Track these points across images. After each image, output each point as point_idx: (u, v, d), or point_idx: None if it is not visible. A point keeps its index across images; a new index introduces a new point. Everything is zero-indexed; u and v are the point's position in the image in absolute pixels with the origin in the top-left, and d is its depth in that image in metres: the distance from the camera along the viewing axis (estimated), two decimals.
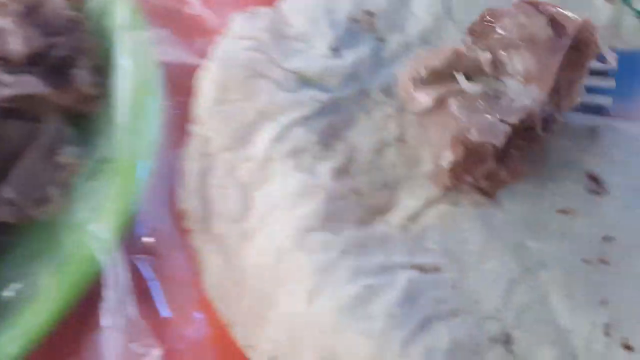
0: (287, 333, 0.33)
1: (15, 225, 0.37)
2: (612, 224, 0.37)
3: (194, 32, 0.42)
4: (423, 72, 0.37)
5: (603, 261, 0.36)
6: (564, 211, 0.37)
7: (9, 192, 0.36)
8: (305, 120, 0.38)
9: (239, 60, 0.39)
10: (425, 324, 0.33)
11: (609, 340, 0.34)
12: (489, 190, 0.37)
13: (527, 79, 0.36)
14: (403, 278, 0.34)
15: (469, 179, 0.36)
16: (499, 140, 0.35)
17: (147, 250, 0.38)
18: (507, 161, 0.36)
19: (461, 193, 0.37)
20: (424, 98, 0.37)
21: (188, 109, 0.40)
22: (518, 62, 0.36)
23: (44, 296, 0.34)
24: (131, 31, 0.39)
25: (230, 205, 0.36)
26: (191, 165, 0.37)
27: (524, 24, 0.36)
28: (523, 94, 0.35)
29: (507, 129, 0.35)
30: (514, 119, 0.35)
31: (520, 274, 0.35)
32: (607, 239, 0.36)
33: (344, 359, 0.32)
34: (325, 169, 0.37)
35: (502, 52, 0.37)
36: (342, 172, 0.37)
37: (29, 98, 0.37)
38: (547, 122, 0.36)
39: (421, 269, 0.35)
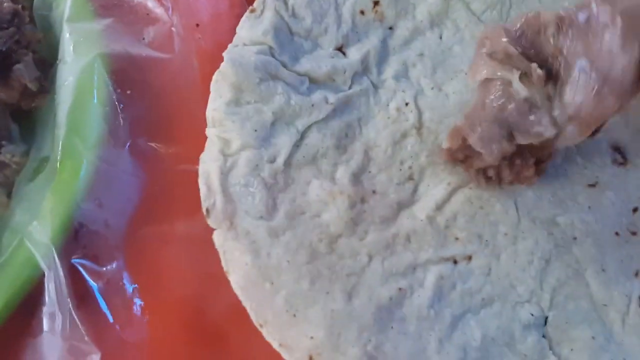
0: (326, 329, 0.33)
1: None
2: (638, 194, 0.37)
3: (141, 22, 0.40)
4: (500, 44, 0.34)
5: (633, 233, 0.36)
6: (592, 185, 0.37)
7: None
8: (320, 124, 0.38)
9: (251, 64, 0.38)
10: (456, 322, 0.34)
11: None
12: (494, 180, 0.36)
13: (574, 116, 0.33)
14: (432, 275, 0.35)
15: (470, 164, 0.36)
16: (490, 157, 0.34)
17: (89, 253, 0.36)
18: (512, 165, 0.36)
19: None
20: (482, 71, 0.35)
21: (135, 101, 0.38)
22: (576, 93, 0.32)
23: None
24: (77, 23, 0.38)
25: (256, 203, 0.36)
26: (211, 165, 0.37)
27: (611, 51, 0.32)
28: (554, 124, 0.33)
29: (505, 150, 0.34)
30: (522, 141, 0.34)
31: (553, 251, 0.35)
32: (635, 210, 0.36)
33: (388, 354, 0.33)
34: (344, 173, 0.37)
35: (571, 69, 0.33)
36: (361, 173, 0.37)
37: None
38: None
39: (452, 260, 0.35)
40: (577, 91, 0.32)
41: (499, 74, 0.34)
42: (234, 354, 0.35)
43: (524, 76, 0.33)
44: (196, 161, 0.38)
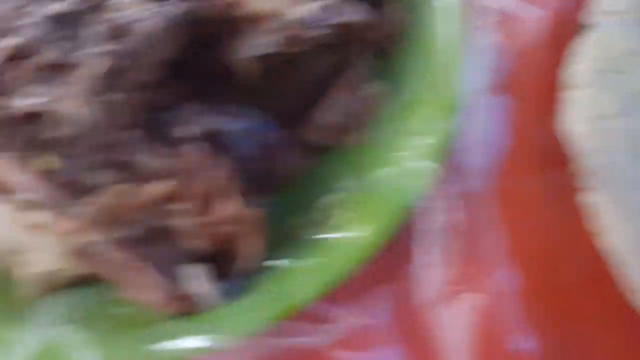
0: None
1: (320, 153, 0.36)
2: None
3: None
4: None
5: None
6: None
7: (321, 118, 0.35)
8: None
9: (620, 35, 0.38)
10: None
11: None
12: None
13: None
14: None
15: None
16: None
17: (463, 192, 0.37)
18: None
19: None
20: None
21: (499, 53, 0.38)
22: None
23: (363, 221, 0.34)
24: None
25: (630, 171, 0.36)
26: (581, 127, 0.37)
27: None
28: None
29: None
30: None
31: None
32: None
33: None
34: None
35: None
36: None
37: (345, 28, 0.37)
38: None
39: None
40: None
41: None
42: (589, 314, 0.35)
43: None
44: (547, 120, 0.38)
